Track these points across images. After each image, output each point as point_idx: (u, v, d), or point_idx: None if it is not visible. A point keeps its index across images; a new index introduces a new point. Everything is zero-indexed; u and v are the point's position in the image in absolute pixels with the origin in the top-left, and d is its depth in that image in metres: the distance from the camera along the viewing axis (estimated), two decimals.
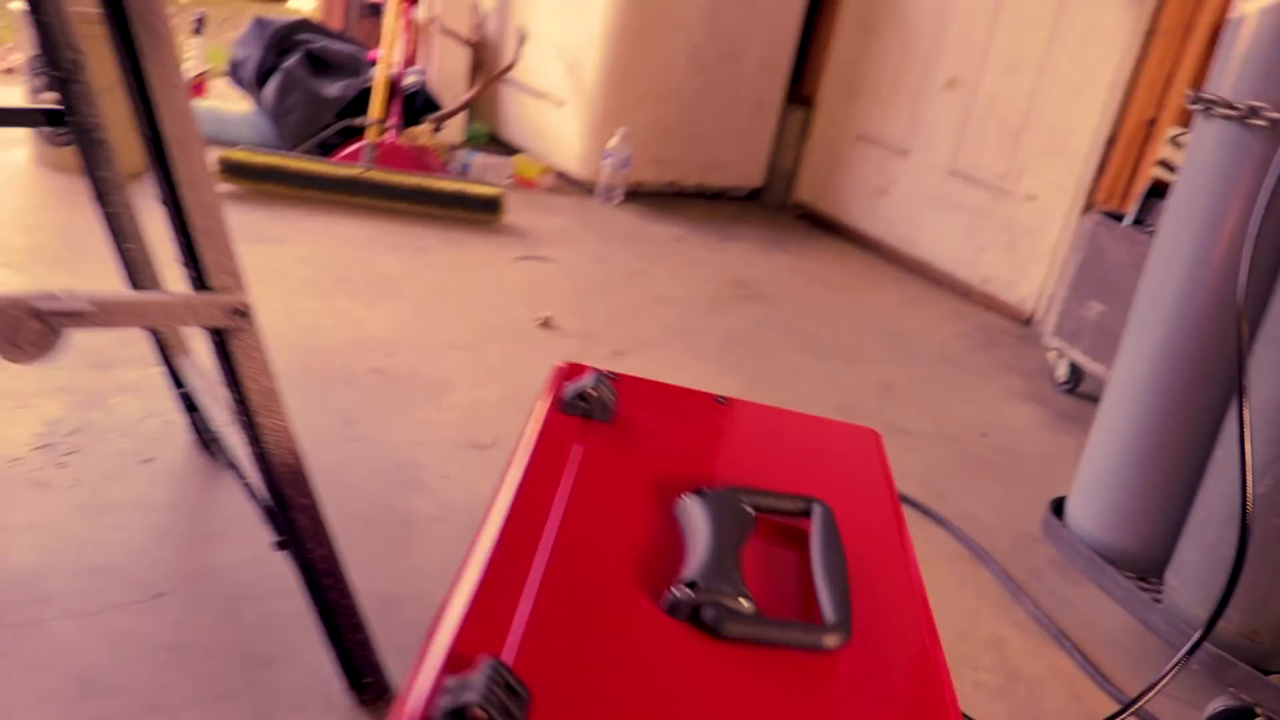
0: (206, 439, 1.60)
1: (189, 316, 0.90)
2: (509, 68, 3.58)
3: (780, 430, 1.06)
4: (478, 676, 0.55)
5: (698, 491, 0.81)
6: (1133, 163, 2.97)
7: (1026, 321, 3.23)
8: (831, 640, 0.69)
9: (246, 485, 1.14)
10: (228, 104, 3.59)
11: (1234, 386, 1.47)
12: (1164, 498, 1.57)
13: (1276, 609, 1.40)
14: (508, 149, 4.01)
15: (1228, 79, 1.46)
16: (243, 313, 0.93)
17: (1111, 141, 3.01)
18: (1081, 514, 1.71)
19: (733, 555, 0.74)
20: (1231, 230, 1.46)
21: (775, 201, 4.18)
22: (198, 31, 3.86)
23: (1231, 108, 1.43)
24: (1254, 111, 1.40)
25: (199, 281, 0.92)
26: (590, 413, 0.94)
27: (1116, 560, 1.63)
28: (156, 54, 0.84)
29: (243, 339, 0.95)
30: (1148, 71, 2.91)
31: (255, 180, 2.92)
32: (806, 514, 0.84)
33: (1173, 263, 1.54)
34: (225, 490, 1.51)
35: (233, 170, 2.89)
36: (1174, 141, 2.66)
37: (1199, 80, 2.76)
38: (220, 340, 0.95)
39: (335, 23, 4.67)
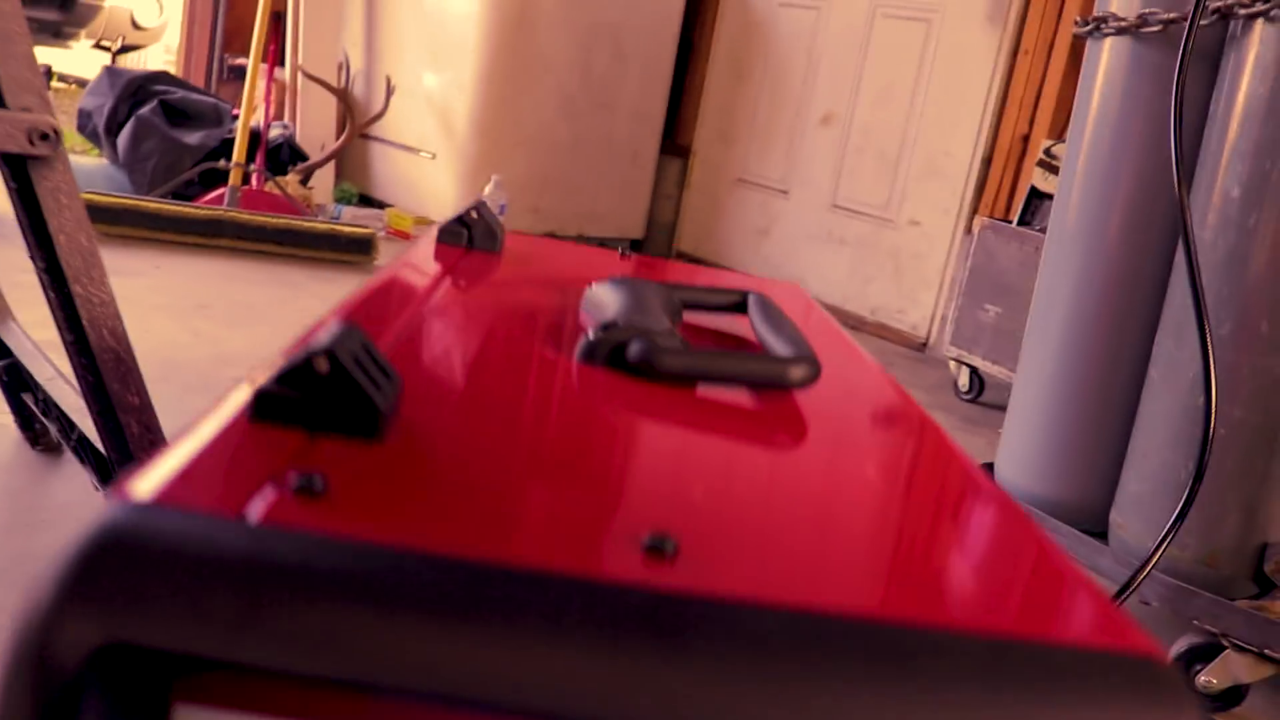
0: (35, 431, 1.37)
1: None
2: (378, 116, 3.46)
3: (697, 279, 0.93)
4: (332, 335, 0.39)
5: (609, 279, 0.67)
6: (1011, 178, 3.01)
7: (921, 347, 3.20)
8: (798, 372, 0.54)
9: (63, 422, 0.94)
10: (76, 156, 3.36)
11: (1154, 312, 1.41)
12: (1095, 436, 1.49)
13: (1232, 529, 1.31)
14: (380, 207, 3.86)
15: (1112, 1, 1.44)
16: (48, 137, 0.76)
17: (988, 160, 3.05)
18: (1012, 471, 1.61)
19: (658, 309, 0.59)
20: (1140, 147, 1.42)
21: (657, 252, 4.12)
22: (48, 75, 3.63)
23: (1120, 20, 1.41)
24: (1144, 20, 1.37)
25: None
26: (473, 240, 0.79)
27: (1054, 513, 1.53)
28: None
29: (50, 176, 0.77)
30: (1016, 89, 2.98)
31: (110, 223, 2.69)
32: (741, 307, 0.70)
33: (1087, 193, 1.49)
34: (57, 481, 1.29)
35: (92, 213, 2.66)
36: (1048, 153, 2.70)
37: (1064, 94, 2.82)
38: (23, 178, 0.77)
39: (196, 83, 4.49)
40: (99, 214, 2.67)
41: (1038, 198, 2.61)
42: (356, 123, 3.36)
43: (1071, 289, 1.50)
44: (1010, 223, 2.60)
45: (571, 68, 3.62)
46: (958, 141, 3.11)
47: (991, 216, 3.01)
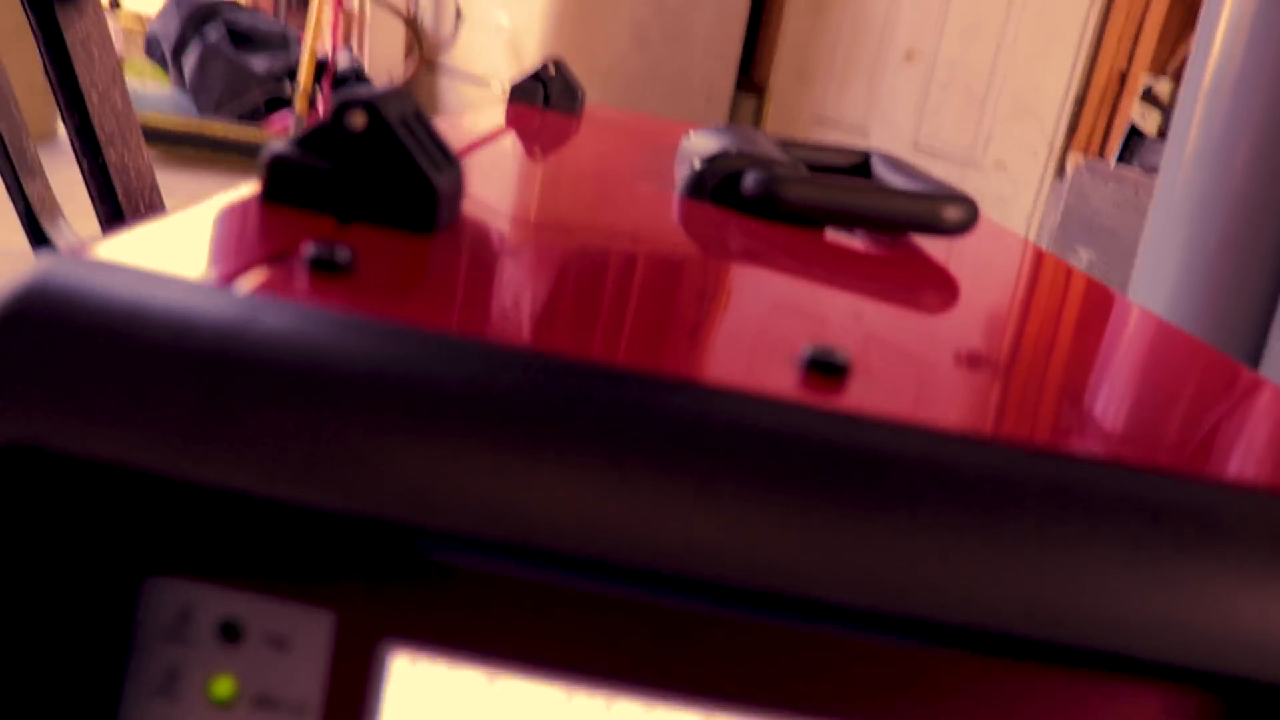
0: None
1: None
2: (447, 45, 3.39)
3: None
4: (374, 92, 0.30)
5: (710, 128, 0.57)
6: (1105, 119, 2.83)
7: None
8: (954, 212, 0.45)
9: None
10: (143, 80, 3.34)
11: None
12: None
13: None
14: None
15: None
16: None
17: (1081, 100, 2.88)
18: None
19: (774, 149, 0.50)
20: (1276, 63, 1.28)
21: None
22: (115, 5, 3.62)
23: None
24: None
25: None
26: (549, 98, 0.70)
27: None
28: None
29: (79, 21, 0.70)
30: (1115, 22, 2.80)
31: (172, 144, 2.66)
32: (864, 170, 0.60)
33: (1209, 122, 1.36)
34: None
35: (151, 135, 2.63)
36: (1148, 91, 2.53)
37: (1167, 29, 2.65)
38: (49, 24, 0.70)
39: (264, 7, 4.45)
40: (162, 137, 2.63)
41: (1137, 136, 2.45)
42: (424, 51, 3.28)
43: (1187, 231, 1.38)
44: (1107, 163, 2.45)
45: (643, 1, 3.50)
46: (1050, 79, 2.94)
47: (1086, 157, 2.85)
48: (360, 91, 0.30)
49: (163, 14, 3.24)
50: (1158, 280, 1.40)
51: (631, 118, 0.82)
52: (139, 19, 4.50)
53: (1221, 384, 0.34)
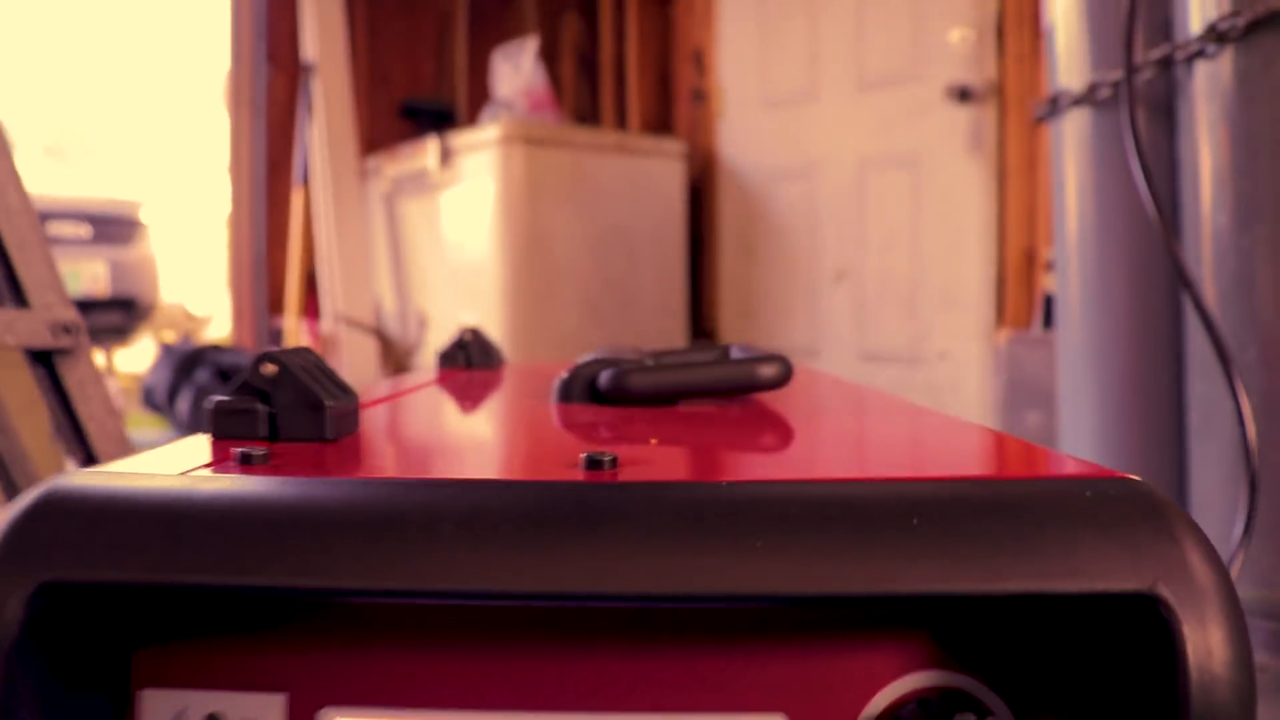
0: None
1: (4, 332, 0.80)
2: (413, 348, 3.62)
3: None
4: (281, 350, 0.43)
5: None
6: (1027, 292, 3.05)
7: None
8: (768, 370, 0.56)
9: None
10: (143, 430, 3.54)
11: (1179, 365, 1.41)
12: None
13: None
14: None
15: (1062, 77, 1.52)
16: (70, 330, 0.83)
17: (1001, 280, 3.10)
18: None
19: (633, 355, 0.62)
20: (1124, 209, 1.46)
21: None
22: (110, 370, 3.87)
23: (1071, 93, 1.48)
24: (1095, 86, 1.44)
25: (20, 301, 0.83)
26: (470, 361, 0.83)
27: None
28: None
29: (76, 367, 0.84)
30: (1011, 210, 3.07)
31: None
32: (725, 355, 0.73)
33: (1084, 269, 1.52)
34: None
35: None
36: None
37: None
38: (51, 372, 0.84)
39: (247, 345, 4.73)
40: None
41: (1055, 301, 2.64)
42: (396, 358, 3.51)
43: (1093, 367, 1.51)
44: (1031, 333, 2.62)
45: (590, 276, 3.79)
46: (967, 270, 3.18)
47: (1014, 329, 3.03)
48: (271, 349, 0.42)
49: (155, 367, 3.50)
50: (1079, 421, 1.51)
51: (548, 365, 0.95)
52: (134, 378, 4.77)
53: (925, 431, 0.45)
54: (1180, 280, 1.24)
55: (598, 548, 0.28)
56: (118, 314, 4.82)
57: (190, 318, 5.78)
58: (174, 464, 0.37)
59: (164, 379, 3.41)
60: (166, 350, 3.52)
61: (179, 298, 5.69)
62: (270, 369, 0.41)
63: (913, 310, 3.35)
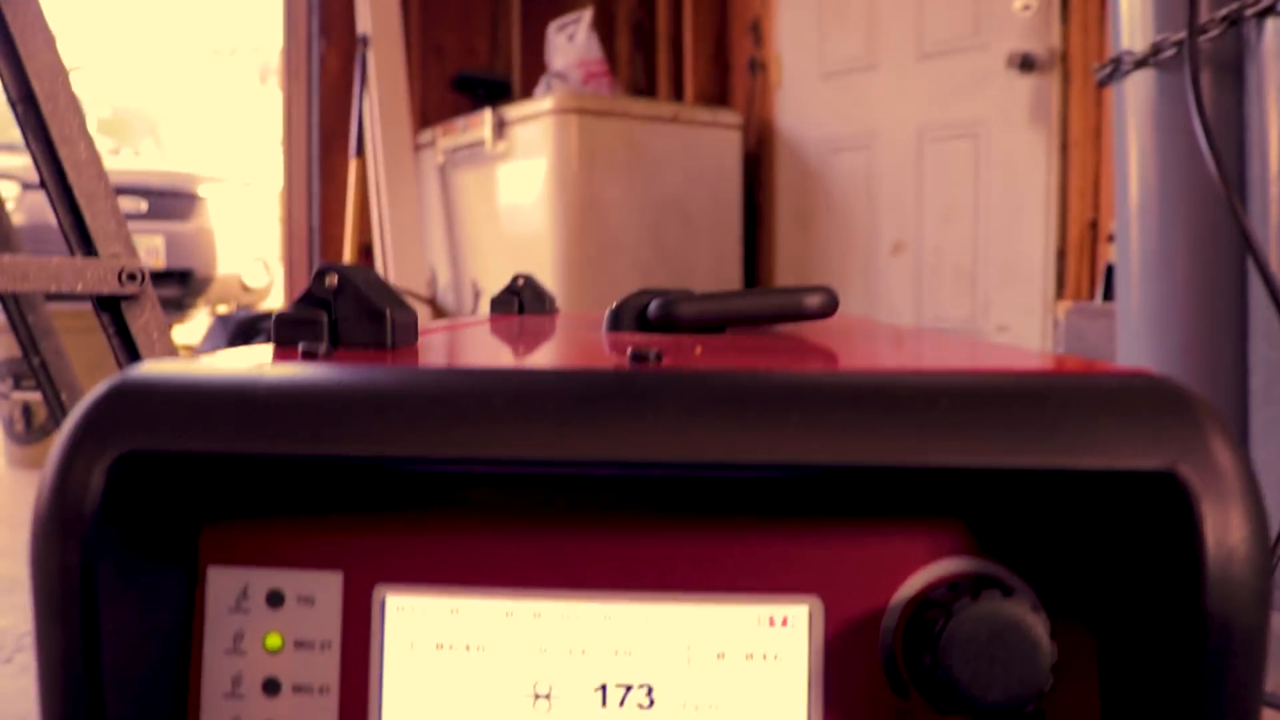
0: None
1: (76, 280, 0.83)
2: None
3: None
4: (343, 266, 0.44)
5: None
6: (1089, 265, 2.99)
7: None
8: (813, 300, 0.57)
9: None
10: None
11: (1243, 330, 1.38)
12: None
13: None
14: None
15: (1125, 38, 1.48)
16: (136, 277, 0.86)
17: (1062, 253, 3.05)
18: None
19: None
20: (1187, 172, 1.43)
21: None
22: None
23: (1134, 54, 1.45)
24: (1158, 47, 1.41)
25: (89, 250, 0.86)
26: (523, 307, 0.85)
27: None
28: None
29: (141, 314, 0.87)
30: (1074, 181, 3.01)
31: None
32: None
33: (1145, 235, 1.49)
34: None
35: None
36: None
37: None
38: (118, 318, 0.87)
39: None
40: None
41: (1115, 271, 2.59)
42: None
43: (1154, 334, 1.49)
44: (1093, 303, 2.57)
45: (644, 245, 3.79)
46: (1028, 242, 3.13)
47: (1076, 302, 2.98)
48: (332, 263, 0.43)
49: (208, 336, 3.57)
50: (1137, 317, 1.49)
51: (602, 314, 0.96)
52: (190, 350, 4.88)
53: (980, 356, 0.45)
54: (1245, 244, 1.21)
55: (640, 420, 0.29)
56: (174, 286, 4.94)
57: (246, 289, 5.88)
58: (241, 362, 0.39)
59: (218, 348, 3.48)
60: (220, 320, 3.60)
61: (235, 269, 5.78)
62: (332, 279, 0.42)
63: (972, 283, 3.31)
